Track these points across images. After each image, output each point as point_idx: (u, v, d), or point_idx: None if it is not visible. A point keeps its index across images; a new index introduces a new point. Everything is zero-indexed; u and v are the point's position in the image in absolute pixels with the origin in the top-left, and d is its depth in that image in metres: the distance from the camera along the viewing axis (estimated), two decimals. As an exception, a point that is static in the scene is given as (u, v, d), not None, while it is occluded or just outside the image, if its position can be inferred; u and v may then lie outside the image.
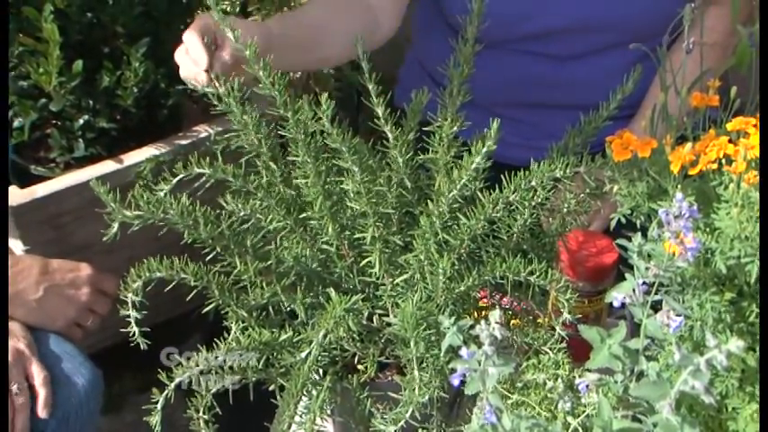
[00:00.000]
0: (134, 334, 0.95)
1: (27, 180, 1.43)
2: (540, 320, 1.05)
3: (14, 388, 1.09)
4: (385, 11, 1.39)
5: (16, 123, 1.45)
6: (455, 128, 1.00)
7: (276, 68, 1.00)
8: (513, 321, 1.05)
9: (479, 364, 0.70)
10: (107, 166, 1.44)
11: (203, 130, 1.52)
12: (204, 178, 0.99)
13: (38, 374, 1.11)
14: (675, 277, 0.84)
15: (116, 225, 0.94)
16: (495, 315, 0.65)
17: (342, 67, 1.80)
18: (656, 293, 0.80)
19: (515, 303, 1.06)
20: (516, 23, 1.39)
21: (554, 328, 0.98)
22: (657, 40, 0.97)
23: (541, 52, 1.42)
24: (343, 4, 1.36)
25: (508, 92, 1.47)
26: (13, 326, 1.13)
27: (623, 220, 0.89)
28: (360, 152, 0.96)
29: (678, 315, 0.77)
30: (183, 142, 1.50)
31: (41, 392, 1.10)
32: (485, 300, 1.05)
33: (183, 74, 1.11)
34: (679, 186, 0.84)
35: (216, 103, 1.04)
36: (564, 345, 0.98)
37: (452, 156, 1.00)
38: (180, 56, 1.12)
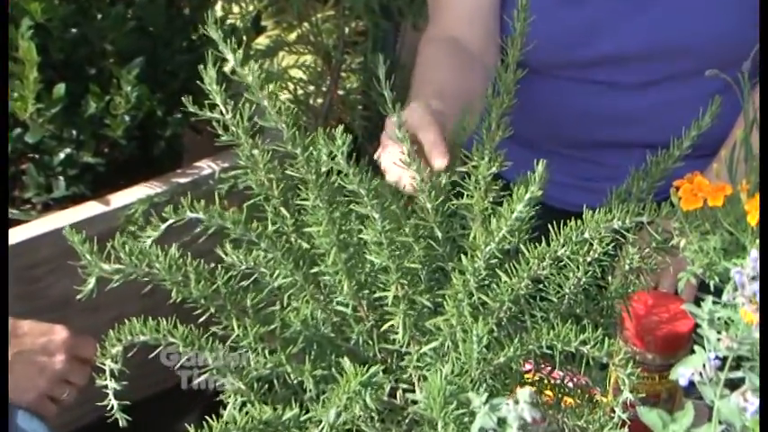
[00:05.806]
0: (112, 408, 0.97)
1: (-3, 224, 1.47)
2: (598, 399, 1.05)
3: None
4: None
5: (-14, 157, 1.49)
6: (493, 168, 1.01)
7: None
8: (565, 400, 1.06)
9: (510, 452, 0.72)
10: (91, 209, 1.47)
11: (207, 167, 1.54)
12: (200, 225, 1.01)
13: None
14: (753, 349, 0.84)
15: (93, 280, 0.96)
16: (525, 394, 0.66)
17: (371, 93, 1.84)
18: (738, 368, 0.80)
19: (568, 379, 1.06)
20: (570, 47, 1.42)
21: (614, 410, 0.98)
22: (739, 67, 0.98)
23: (603, 80, 1.44)
24: (467, 62, 1.38)
25: (561, 127, 1.49)
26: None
27: (694, 281, 0.90)
28: (382, 196, 0.98)
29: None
30: (183, 180, 1.52)
31: None
32: (531, 374, 1.06)
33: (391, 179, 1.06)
34: (757, 242, 0.85)
35: (221, 132, 1.05)
36: (626, 431, 0.98)
37: (491, 201, 1.02)
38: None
